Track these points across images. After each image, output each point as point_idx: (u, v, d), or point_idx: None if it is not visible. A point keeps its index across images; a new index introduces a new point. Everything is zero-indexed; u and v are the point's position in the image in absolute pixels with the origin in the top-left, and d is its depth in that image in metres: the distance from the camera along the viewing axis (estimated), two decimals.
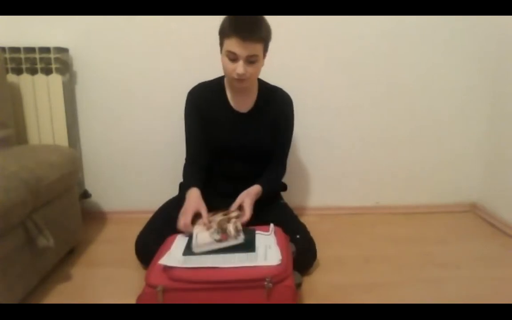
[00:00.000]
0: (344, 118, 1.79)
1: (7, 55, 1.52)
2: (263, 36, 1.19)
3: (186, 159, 1.41)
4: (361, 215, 1.84)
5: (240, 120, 1.36)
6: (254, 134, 1.36)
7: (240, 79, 1.22)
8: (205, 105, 1.36)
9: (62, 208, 1.31)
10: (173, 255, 1.04)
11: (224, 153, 1.37)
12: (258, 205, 1.33)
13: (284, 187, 1.55)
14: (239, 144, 1.35)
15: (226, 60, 1.22)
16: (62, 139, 1.60)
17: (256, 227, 1.19)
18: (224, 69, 1.26)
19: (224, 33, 1.20)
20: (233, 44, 1.17)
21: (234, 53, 1.18)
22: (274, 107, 1.39)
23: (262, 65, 1.28)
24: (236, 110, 1.37)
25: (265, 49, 1.24)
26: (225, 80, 1.37)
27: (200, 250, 1.05)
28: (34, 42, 1.54)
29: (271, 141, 1.40)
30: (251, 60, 1.20)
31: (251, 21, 1.17)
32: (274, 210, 1.39)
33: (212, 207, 1.35)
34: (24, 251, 1.09)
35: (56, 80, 1.56)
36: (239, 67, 1.19)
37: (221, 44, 1.23)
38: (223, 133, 1.35)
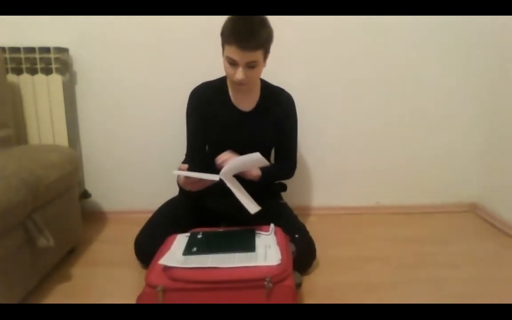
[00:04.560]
0: (344, 118, 1.79)
1: (7, 55, 1.52)
2: (262, 43, 1.19)
3: (185, 156, 1.42)
4: (361, 215, 1.84)
5: (243, 119, 1.37)
6: (257, 132, 1.37)
7: (241, 83, 1.23)
8: (208, 104, 1.37)
9: (62, 208, 1.31)
10: (173, 255, 1.04)
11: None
12: (258, 204, 1.33)
13: (284, 187, 1.55)
14: (242, 143, 1.35)
15: (227, 64, 1.23)
16: (62, 139, 1.60)
17: (256, 227, 1.19)
18: (225, 71, 1.27)
19: (225, 38, 1.20)
20: (232, 52, 1.18)
21: (233, 59, 1.19)
22: (277, 107, 1.39)
23: (264, 66, 1.29)
24: (239, 109, 1.37)
25: (266, 53, 1.24)
26: (228, 79, 1.37)
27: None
28: (34, 42, 1.54)
29: (273, 140, 1.41)
30: (251, 66, 1.21)
31: (251, 29, 1.16)
32: (274, 210, 1.39)
33: (214, 208, 1.35)
34: (24, 251, 1.09)
35: (56, 80, 1.56)
36: (239, 73, 1.20)
37: (222, 47, 1.23)
38: (226, 132, 1.36)
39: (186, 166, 1.17)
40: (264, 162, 1.15)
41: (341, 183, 1.86)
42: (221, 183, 1.13)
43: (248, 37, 1.15)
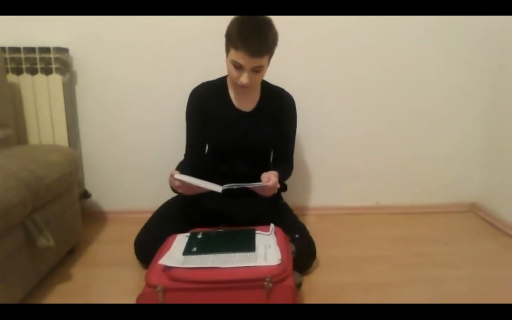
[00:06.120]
0: (344, 118, 1.79)
1: (7, 55, 1.52)
2: (270, 48, 1.19)
3: (184, 156, 1.42)
4: (361, 215, 1.84)
5: (244, 119, 1.36)
6: (257, 133, 1.37)
7: (245, 86, 1.23)
8: (208, 104, 1.36)
9: (62, 208, 1.31)
10: (173, 255, 1.04)
11: (227, 152, 1.38)
12: (258, 204, 1.33)
13: (284, 187, 1.55)
14: (242, 143, 1.36)
15: (231, 67, 1.21)
16: (62, 139, 1.60)
17: (256, 227, 1.19)
18: (229, 73, 1.26)
19: (231, 41, 1.17)
20: (239, 57, 1.16)
21: (239, 64, 1.18)
22: (278, 107, 1.39)
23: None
24: (239, 109, 1.37)
25: (271, 56, 1.24)
26: (228, 79, 1.37)
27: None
28: (34, 42, 1.54)
29: (274, 140, 1.41)
30: (257, 70, 1.20)
31: (259, 34, 1.14)
32: (274, 210, 1.39)
33: (214, 208, 1.35)
34: (24, 251, 1.09)
35: (56, 80, 1.56)
36: (244, 78, 1.19)
37: (227, 49, 1.21)
38: (226, 132, 1.36)
39: (177, 172, 1.17)
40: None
41: (341, 183, 1.86)
42: (223, 195, 1.14)
43: (257, 43, 1.14)
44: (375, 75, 1.74)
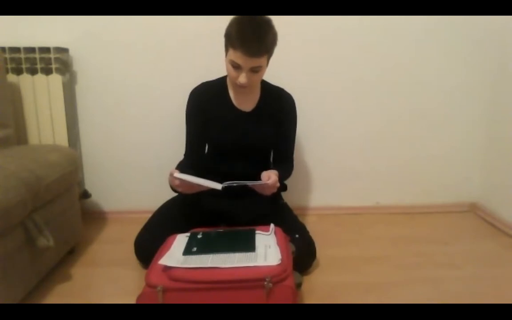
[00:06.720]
0: (344, 118, 1.79)
1: (7, 55, 1.52)
2: (268, 48, 1.19)
3: (184, 156, 1.43)
4: (361, 215, 1.84)
5: (244, 119, 1.36)
6: (257, 133, 1.37)
7: (243, 86, 1.23)
8: (208, 104, 1.36)
9: (62, 208, 1.31)
10: (173, 255, 1.04)
11: (227, 152, 1.38)
12: (258, 204, 1.33)
13: (284, 187, 1.55)
14: (242, 143, 1.36)
15: (230, 67, 1.21)
16: (62, 139, 1.60)
17: (256, 227, 1.19)
18: (228, 73, 1.26)
19: (229, 41, 1.18)
20: (237, 57, 1.16)
21: (238, 64, 1.18)
22: (278, 107, 1.39)
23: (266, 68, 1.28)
24: (239, 109, 1.37)
25: (270, 56, 1.24)
26: (228, 79, 1.37)
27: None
28: (34, 42, 1.54)
29: (274, 140, 1.41)
30: (255, 70, 1.20)
31: (258, 35, 1.14)
32: (274, 210, 1.39)
33: (214, 208, 1.35)
34: (24, 251, 1.09)
35: (56, 80, 1.56)
36: (242, 77, 1.20)
37: (226, 49, 1.22)
38: (226, 132, 1.36)
39: (177, 171, 1.16)
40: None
41: (341, 183, 1.86)
42: (223, 192, 1.15)
43: (254, 43, 1.14)
44: (375, 75, 1.74)
